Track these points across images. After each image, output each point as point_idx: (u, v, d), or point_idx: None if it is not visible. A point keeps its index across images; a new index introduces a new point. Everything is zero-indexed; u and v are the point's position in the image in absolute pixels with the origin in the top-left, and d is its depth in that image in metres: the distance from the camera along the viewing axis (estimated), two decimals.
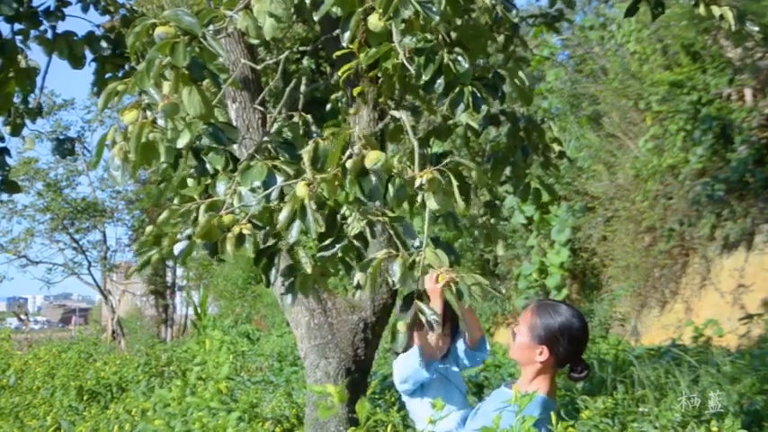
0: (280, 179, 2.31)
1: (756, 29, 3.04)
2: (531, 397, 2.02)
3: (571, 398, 5.11)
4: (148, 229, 2.43)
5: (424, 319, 2.25)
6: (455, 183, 2.25)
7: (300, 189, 2.21)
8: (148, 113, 2.17)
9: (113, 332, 20.47)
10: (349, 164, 2.20)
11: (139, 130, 2.10)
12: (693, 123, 9.01)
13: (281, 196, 2.31)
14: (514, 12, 2.78)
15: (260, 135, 3.73)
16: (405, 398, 3.44)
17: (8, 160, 4.32)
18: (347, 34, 2.29)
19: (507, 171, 3.32)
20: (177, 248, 2.31)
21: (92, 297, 43.50)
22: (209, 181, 2.49)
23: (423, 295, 2.29)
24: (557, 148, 3.30)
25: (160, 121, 2.15)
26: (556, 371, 2.46)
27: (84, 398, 6.91)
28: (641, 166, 9.72)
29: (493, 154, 3.39)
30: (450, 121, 3.32)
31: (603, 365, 6.37)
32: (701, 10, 3.01)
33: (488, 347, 3.33)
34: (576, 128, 11.42)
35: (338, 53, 2.53)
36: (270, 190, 2.29)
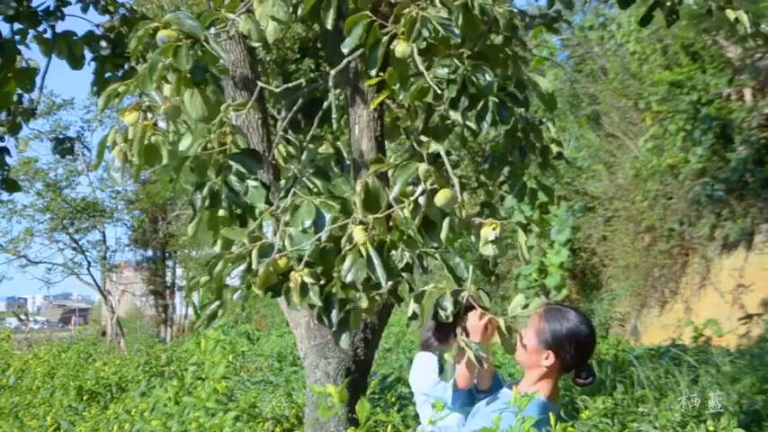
0: (328, 216, 2.30)
1: None
2: (531, 398, 2.02)
3: (571, 398, 5.12)
4: (203, 279, 2.43)
5: (472, 354, 2.27)
6: (523, 238, 2.29)
7: (359, 235, 2.21)
8: (149, 115, 2.17)
9: (107, 333, 20.48)
10: (421, 200, 2.22)
11: (142, 132, 2.10)
12: (693, 123, 9.01)
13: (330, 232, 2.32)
14: (528, 19, 2.79)
15: (259, 135, 3.74)
16: (415, 392, 3.41)
17: (8, 160, 4.33)
18: (374, 69, 2.29)
19: (505, 171, 3.32)
20: (237, 296, 2.33)
21: (91, 297, 43.51)
22: (245, 214, 2.48)
23: (464, 330, 2.33)
24: (555, 148, 3.29)
25: (162, 124, 2.15)
26: (560, 375, 2.46)
27: (84, 398, 6.91)
28: (641, 165, 9.72)
29: (491, 154, 3.39)
30: (448, 121, 3.32)
31: (603, 365, 6.37)
32: (715, 16, 3.01)
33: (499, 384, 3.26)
34: (575, 128, 11.42)
35: (371, 82, 2.54)
36: (322, 233, 2.26)
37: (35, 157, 20.27)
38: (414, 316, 2.30)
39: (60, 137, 4.86)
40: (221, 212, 2.48)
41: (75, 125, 32.31)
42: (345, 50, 2.33)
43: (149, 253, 23.40)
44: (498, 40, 2.93)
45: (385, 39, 2.26)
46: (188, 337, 15.96)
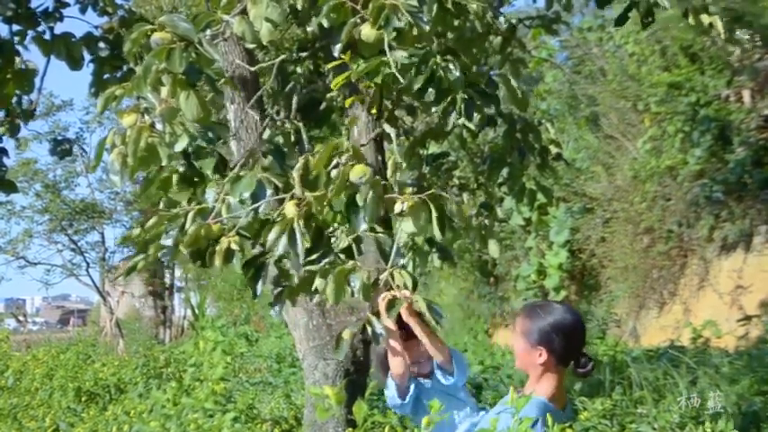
0: (269, 191, 2.32)
1: (746, 36, 3.06)
2: (528, 398, 2.02)
3: (570, 399, 5.11)
4: (136, 231, 2.45)
5: (370, 330, 2.30)
6: (434, 213, 2.27)
7: (290, 209, 2.24)
8: (147, 117, 2.17)
9: (106, 333, 20.47)
10: (334, 173, 2.23)
11: (137, 134, 2.10)
12: (692, 125, 9.02)
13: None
14: (502, 19, 2.79)
15: (258, 136, 3.74)
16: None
17: (5, 161, 4.32)
18: (339, 45, 2.30)
19: (504, 172, 3.32)
20: (162, 255, 2.34)
21: (90, 298, 43.46)
22: (195, 179, 2.50)
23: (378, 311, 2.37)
24: (554, 149, 3.30)
25: (158, 125, 2.15)
26: (560, 371, 2.44)
27: (83, 399, 6.90)
28: (640, 167, 9.73)
29: (491, 155, 3.39)
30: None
31: (601, 367, 6.37)
32: (691, 20, 3.02)
33: (463, 366, 3.20)
34: (574, 129, 11.43)
35: (331, 65, 2.54)
36: (257, 204, 2.30)
37: (34, 158, 20.26)
38: (316, 290, 2.33)
39: (59, 138, 4.86)
40: (174, 177, 2.50)
41: (74, 126, 32.35)
42: (309, 29, 2.34)
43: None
44: (497, 41, 2.94)
45: (352, 20, 2.26)
46: (186, 339, 15.96)
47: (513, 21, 2.93)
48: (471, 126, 3.17)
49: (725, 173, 8.78)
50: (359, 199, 2.23)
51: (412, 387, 3.13)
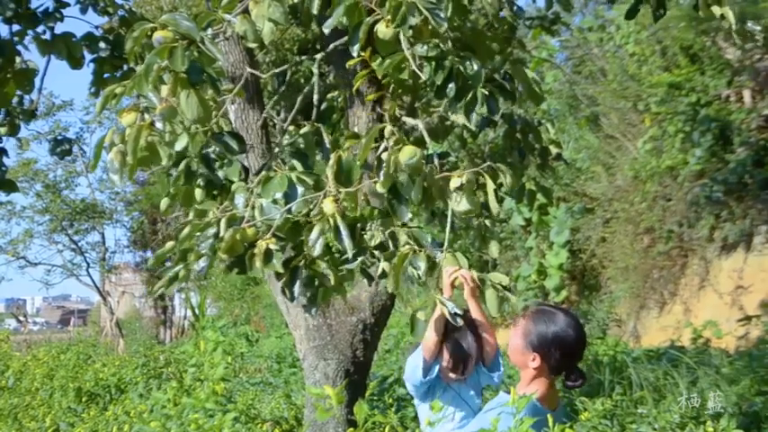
0: (300, 190, 2.32)
1: (758, 28, 3.04)
2: (528, 399, 2.02)
3: (569, 399, 5.11)
4: (169, 244, 2.43)
5: (446, 310, 2.29)
6: (491, 186, 2.28)
7: (328, 206, 2.23)
8: (146, 116, 2.17)
9: (106, 333, 20.47)
10: (384, 156, 2.23)
11: (137, 132, 2.10)
12: (692, 125, 9.01)
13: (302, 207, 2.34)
14: (524, 20, 2.78)
15: (259, 136, 3.74)
16: (416, 401, 3.43)
17: (6, 161, 4.33)
18: (356, 45, 2.30)
19: None
20: (200, 264, 2.33)
21: (90, 298, 43.48)
22: (216, 191, 2.50)
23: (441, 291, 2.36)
24: (554, 150, 3.30)
25: (158, 124, 2.15)
26: (552, 377, 2.44)
27: (83, 399, 6.90)
28: (640, 167, 9.72)
29: (491, 155, 3.39)
30: (448, 122, 3.32)
31: (601, 367, 6.37)
32: (702, 12, 3.01)
33: (501, 367, 3.28)
34: (574, 129, 11.43)
35: (351, 63, 2.53)
36: (292, 204, 2.29)
37: (34, 159, 20.30)
38: (383, 274, 2.32)
39: (59, 138, 4.86)
40: (197, 190, 2.50)
41: (74, 126, 32.38)
42: (326, 30, 2.34)
43: (149, 254, 23.39)
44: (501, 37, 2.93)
45: (368, 19, 2.26)
46: (187, 339, 15.95)
47: (519, 22, 2.93)
48: (471, 126, 3.17)
49: (725, 173, 8.77)
50: (400, 187, 2.23)
51: (436, 369, 3.14)
